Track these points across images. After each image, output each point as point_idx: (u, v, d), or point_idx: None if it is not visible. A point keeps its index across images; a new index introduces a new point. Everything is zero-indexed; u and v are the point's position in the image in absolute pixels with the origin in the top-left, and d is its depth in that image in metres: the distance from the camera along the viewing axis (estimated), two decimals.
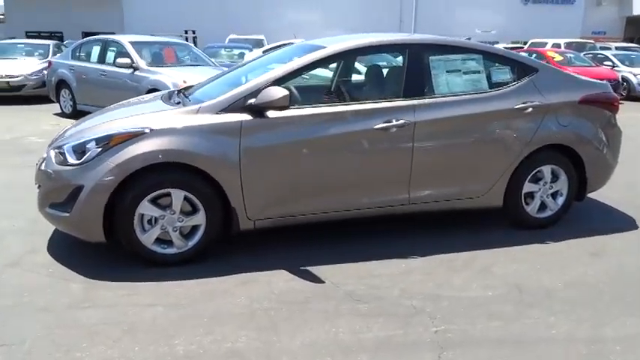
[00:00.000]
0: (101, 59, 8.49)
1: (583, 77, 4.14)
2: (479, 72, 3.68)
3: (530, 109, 3.65)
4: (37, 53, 11.83)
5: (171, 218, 3.05)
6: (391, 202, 3.48)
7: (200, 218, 3.09)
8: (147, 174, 2.95)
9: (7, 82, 10.80)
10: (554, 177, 3.85)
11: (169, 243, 3.11)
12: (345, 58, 4.01)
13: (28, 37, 18.78)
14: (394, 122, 3.31)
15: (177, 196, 3.02)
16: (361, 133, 3.28)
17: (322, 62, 3.47)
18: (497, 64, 3.75)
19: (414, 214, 3.62)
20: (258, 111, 3.09)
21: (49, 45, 12.42)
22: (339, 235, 3.65)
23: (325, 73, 4.44)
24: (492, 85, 3.68)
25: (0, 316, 2.54)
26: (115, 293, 2.79)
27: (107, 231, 2.98)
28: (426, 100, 3.44)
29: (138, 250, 3.05)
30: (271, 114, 3.11)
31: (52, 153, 3.15)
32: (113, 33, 13.85)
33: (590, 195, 4.17)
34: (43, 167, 3.17)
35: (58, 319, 2.52)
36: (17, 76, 10.88)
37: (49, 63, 9.77)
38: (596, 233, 3.82)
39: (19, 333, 2.40)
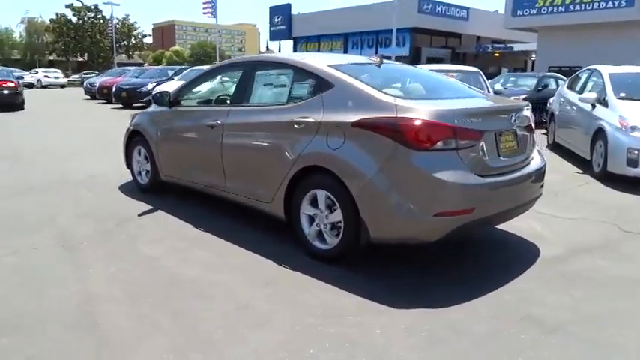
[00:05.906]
0: None
1: (385, 98, 3.15)
2: (284, 85, 3.82)
3: (303, 126, 3.51)
4: None
5: (142, 162, 5.39)
6: (218, 187, 4.36)
7: (149, 166, 5.27)
8: (133, 134, 5.41)
9: None
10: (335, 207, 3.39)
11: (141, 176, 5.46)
12: (218, 75, 4.98)
13: (550, 71, 18.69)
14: (211, 122, 4.25)
15: (139, 150, 5.33)
16: (199, 127, 4.46)
17: (201, 79, 4.78)
18: (302, 79, 3.70)
19: (234, 203, 4.27)
20: (165, 106, 4.91)
21: None
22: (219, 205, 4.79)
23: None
24: (290, 99, 3.74)
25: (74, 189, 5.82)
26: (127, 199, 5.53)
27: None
28: (234, 107, 4.13)
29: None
30: (172, 109, 4.86)
31: None
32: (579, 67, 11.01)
33: None
34: None
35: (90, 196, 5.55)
36: None
37: None
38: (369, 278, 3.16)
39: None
